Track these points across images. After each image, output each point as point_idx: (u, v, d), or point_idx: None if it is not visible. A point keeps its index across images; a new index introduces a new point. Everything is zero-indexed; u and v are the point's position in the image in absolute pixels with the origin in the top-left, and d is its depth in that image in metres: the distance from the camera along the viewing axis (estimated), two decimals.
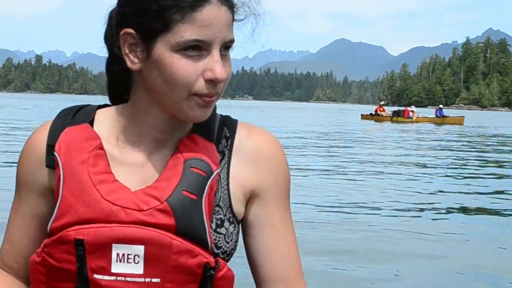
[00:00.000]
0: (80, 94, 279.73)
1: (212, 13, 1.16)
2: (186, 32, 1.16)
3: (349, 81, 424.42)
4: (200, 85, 1.19)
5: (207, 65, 1.18)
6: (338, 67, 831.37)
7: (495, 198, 9.19)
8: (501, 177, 11.86)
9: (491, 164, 14.64)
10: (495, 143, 23.31)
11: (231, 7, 1.21)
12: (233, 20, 1.23)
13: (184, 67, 1.18)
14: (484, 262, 5.28)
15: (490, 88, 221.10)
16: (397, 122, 41.60)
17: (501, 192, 9.76)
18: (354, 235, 6.13)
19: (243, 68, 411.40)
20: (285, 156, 1.31)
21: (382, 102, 49.53)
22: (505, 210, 8.13)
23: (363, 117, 46.23)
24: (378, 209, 7.81)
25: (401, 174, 11.73)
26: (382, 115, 44.66)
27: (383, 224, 6.74)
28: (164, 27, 1.16)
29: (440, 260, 5.30)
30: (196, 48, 1.17)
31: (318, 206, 7.67)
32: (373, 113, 45.83)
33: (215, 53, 1.18)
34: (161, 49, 1.17)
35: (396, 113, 44.17)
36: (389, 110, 47.75)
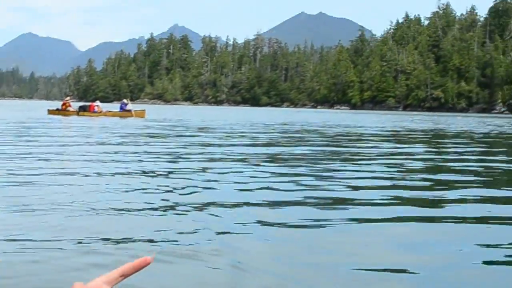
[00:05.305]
0: None
1: None
2: None
3: (36, 77, 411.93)
4: None
5: None
6: (25, 62, 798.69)
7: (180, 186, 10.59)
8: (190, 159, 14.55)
9: (168, 150, 17.39)
10: (173, 131, 26.53)
11: None
12: None
13: None
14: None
15: (173, 83, 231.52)
16: (84, 116, 43.50)
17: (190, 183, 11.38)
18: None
19: None
20: None
21: (68, 98, 50.64)
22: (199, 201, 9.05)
23: (50, 112, 46.72)
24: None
25: (89, 161, 12.38)
26: (68, 110, 45.94)
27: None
28: None
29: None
30: None
31: None
32: (60, 108, 46.91)
33: None
34: None
35: (82, 108, 45.80)
36: (76, 105, 49.07)
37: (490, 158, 16.34)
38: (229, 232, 5.82)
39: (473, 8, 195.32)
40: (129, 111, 45.72)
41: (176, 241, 5.41)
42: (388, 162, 13.54)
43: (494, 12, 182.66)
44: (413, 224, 6.59)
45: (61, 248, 5.02)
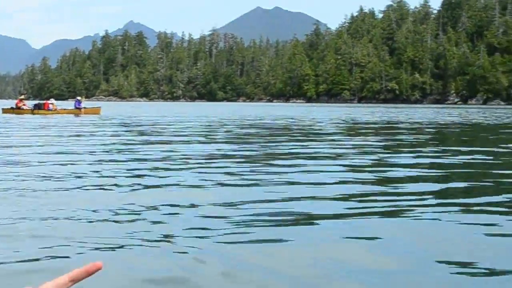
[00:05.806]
0: None
1: None
2: None
3: None
4: None
5: None
6: None
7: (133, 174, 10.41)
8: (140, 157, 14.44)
9: (127, 146, 17.21)
10: (129, 128, 26.34)
11: None
12: None
13: None
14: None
15: (128, 79, 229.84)
16: (39, 114, 42.95)
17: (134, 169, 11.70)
18: None
19: None
20: None
21: (22, 96, 49.91)
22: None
23: (4, 111, 46.11)
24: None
25: (36, 161, 12.03)
26: (23, 109, 45.35)
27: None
28: None
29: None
30: None
31: None
32: (14, 107, 46.27)
33: None
34: None
35: (37, 106, 45.30)
36: (30, 103, 48.43)
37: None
38: (209, 228, 5.81)
39: (426, 1, 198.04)
40: (84, 108, 45.45)
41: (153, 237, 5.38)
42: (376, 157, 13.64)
43: (447, 4, 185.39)
44: (376, 219, 6.65)
45: (14, 251, 4.92)
